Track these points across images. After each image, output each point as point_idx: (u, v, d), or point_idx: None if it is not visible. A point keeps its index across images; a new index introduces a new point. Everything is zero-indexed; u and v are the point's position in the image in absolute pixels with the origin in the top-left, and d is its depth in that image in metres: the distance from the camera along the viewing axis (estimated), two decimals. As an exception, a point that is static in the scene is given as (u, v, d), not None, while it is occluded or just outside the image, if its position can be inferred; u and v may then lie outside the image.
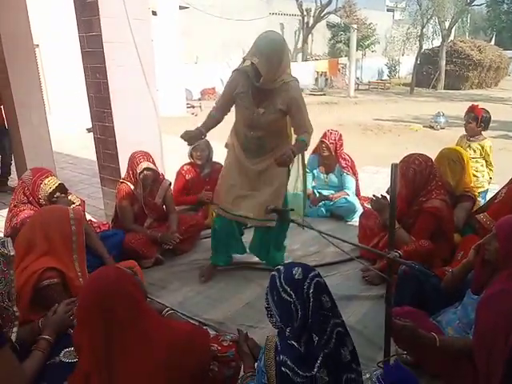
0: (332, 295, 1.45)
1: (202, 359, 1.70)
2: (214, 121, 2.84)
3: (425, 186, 2.73)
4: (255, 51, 2.44)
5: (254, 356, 1.82)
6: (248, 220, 2.85)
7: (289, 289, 1.39)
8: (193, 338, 1.68)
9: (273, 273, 1.49)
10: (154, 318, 1.61)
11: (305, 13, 22.28)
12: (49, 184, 2.78)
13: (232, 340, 1.92)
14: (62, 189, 2.83)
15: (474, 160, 3.72)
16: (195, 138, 2.75)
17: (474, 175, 3.65)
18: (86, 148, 6.69)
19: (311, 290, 1.38)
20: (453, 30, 22.67)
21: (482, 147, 3.72)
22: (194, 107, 13.72)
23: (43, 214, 2.37)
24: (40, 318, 1.93)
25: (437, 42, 22.08)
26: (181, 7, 12.96)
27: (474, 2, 21.19)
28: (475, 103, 3.93)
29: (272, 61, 2.43)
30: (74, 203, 2.97)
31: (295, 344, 1.36)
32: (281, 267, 1.49)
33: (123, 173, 3.44)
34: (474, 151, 3.73)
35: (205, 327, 2.26)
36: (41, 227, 2.21)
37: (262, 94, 2.60)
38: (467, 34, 31.42)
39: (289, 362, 1.35)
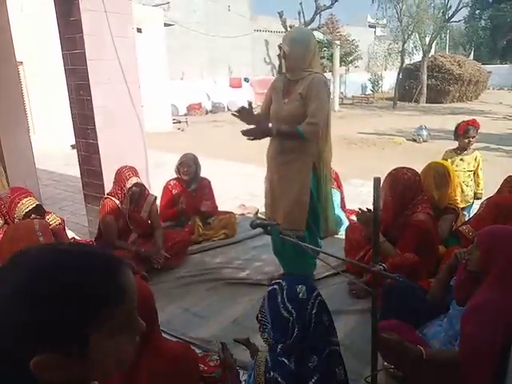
0: (330, 313, 1.43)
1: (191, 381, 1.68)
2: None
3: (411, 199, 2.76)
4: (284, 39, 2.64)
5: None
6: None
7: (290, 307, 1.37)
8: (183, 359, 1.67)
9: (274, 286, 1.45)
10: (159, 331, 1.64)
11: (289, 29, 22.67)
12: (26, 204, 2.73)
13: (222, 359, 1.89)
14: (38, 210, 2.77)
15: (467, 174, 3.75)
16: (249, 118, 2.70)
17: (463, 190, 3.69)
18: (70, 165, 6.63)
19: (314, 311, 1.37)
20: (433, 46, 23.34)
21: (475, 159, 3.77)
22: (180, 122, 13.76)
23: (10, 230, 2.34)
24: None
25: (418, 57, 22.66)
26: (166, 24, 13.08)
27: (453, 19, 21.84)
28: (456, 116, 4.00)
29: (297, 44, 2.56)
30: (50, 225, 2.92)
31: (286, 361, 1.35)
32: (283, 282, 1.44)
33: (107, 189, 3.40)
34: (468, 164, 3.75)
35: (191, 346, 2.21)
36: (8, 244, 2.18)
37: (291, 87, 2.68)
38: (447, 49, 32.35)
39: (279, 379, 1.34)
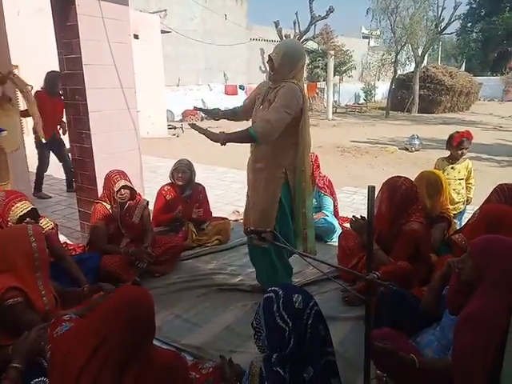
0: (326, 323, 1.43)
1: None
2: (232, 111, 2.92)
3: (407, 209, 2.79)
4: (276, 49, 2.56)
5: (239, 382, 1.78)
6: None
7: (286, 316, 1.36)
8: (172, 367, 1.65)
9: (269, 294, 1.44)
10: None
11: (284, 39, 22.83)
12: (21, 207, 2.67)
13: (215, 367, 1.87)
14: (33, 214, 2.72)
15: (458, 182, 3.80)
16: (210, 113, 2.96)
17: (454, 198, 3.74)
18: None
19: (310, 321, 1.36)
20: (425, 57, 23.61)
21: (466, 167, 3.83)
22: (175, 128, 13.75)
23: (1, 234, 2.29)
24: (10, 344, 1.84)
25: (410, 68, 22.93)
26: (163, 31, 13.11)
27: (445, 31, 22.13)
28: (448, 126, 4.05)
29: (288, 58, 2.51)
30: (43, 229, 2.88)
31: (281, 371, 1.34)
32: (279, 290, 1.42)
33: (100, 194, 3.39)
34: (459, 172, 3.81)
35: (182, 353, 2.20)
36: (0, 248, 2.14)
37: (269, 94, 2.62)
38: (439, 60, 32.80)
39: None
